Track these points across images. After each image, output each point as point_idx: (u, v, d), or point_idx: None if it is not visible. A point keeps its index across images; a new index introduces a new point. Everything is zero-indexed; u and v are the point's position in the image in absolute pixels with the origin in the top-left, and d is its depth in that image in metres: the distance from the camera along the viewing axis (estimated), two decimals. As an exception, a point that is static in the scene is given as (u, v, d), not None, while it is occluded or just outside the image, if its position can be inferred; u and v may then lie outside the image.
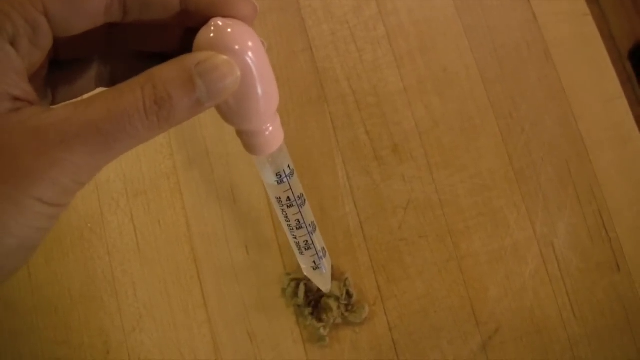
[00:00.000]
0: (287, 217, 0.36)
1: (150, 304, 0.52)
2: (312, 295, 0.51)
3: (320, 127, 0.54)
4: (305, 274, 0.41)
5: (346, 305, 0.51)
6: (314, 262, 0.40)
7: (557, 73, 0.55)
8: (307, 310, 0.51)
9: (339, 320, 0.51)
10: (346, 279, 0.51)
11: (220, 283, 0.52)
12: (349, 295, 0.51)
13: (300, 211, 0.36)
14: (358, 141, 0.54)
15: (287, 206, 0.35)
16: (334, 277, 0.52)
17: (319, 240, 0.39)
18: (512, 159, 0.54)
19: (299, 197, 0.36)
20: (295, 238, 0.38)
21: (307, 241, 0.38)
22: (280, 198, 0.35)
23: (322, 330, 0.50)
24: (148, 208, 0.54)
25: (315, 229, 0.38)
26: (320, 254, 0.39)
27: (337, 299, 0.51)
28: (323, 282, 0.43)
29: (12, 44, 0.23)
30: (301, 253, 0.39)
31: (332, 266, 0.52)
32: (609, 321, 0.51)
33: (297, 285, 0.51)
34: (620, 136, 0.54)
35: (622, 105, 0.55)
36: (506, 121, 0.54)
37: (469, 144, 0.54)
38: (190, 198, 0.54)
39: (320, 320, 0.50)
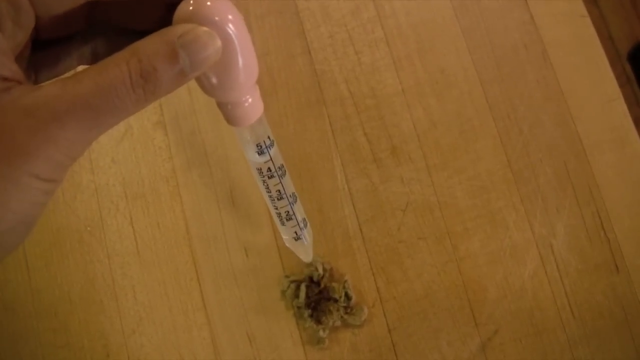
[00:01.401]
0: (268, 187, 0.37)
1: (149, 306, 0.53)
2: (311, 298, 0.51)
3: (318, 129, 0.55)
4: (287, 245, 0.42)
5: (345, 308, 0.51)
6: (295, 232, 0.40)
7: (555, 74, 0.55)
8: (307, 312, 0.51)
9: (338, 323, 0.51)
10: (345, 281, 0.52)
11: (219, 286, 0.53)
12: (347, 297, 0.51)
13: (281, 182, 0.37)
14: (356, 143, 0.54)
15: (268, 177, 0.36)
16: (333, 279, 0.52)
17: (299, 211, 0.40)
18: (510, 161, 0.54)
19: (279, 167, 0.36)
20: (277, 209, 0.38)
21: (288, 212, 0.39)
22: (261, 169, 0.36)
23: (321, 332, 0.50)
24: (147, 211, 0.54)
25: (296, 199, 0.39)
26: (302, 225, 0.40)
27: (337, 301, 0.51)
28: (305, 253, 0.43)
29: None
30: (282, 224, 0.39)
31: (332, 268, 0.52)
32: (608, 322, 0.51)
33: (297, 287, 0.51)
34: (619, 137, 0.54)
35: (620, 106, 0.55)
36: (504, 123, 0.54)
37: (468, 145, 0.54)
38: (189, 201, 0.54)
39: (319, 322, 0.51)
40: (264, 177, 0.36)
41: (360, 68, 0.56)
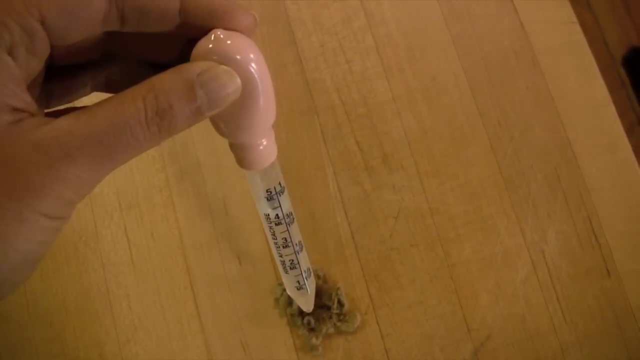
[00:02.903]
0: (274, 234, 0.36)
1: (144, 315, 0.53)
2: (304, 305, 0.51)
3: (310, 138, 0.55)
4: (289, 293, 0.41)
5: (338, 315, 0.51)
6: (298, 281, 0.39)
7: (545, 81, 0.56)
8: (299, 320, 0.51)
9: (331, 330, 0.51)
10: (338, 288, 0.52)
11: (213, 294, 0.53)
12: (340, 304, 0.51)
13: (288, 229, 0.36)
14: (348, 151, 0.55)
15: (275, 224, 0.35)
16: (326, 287, 0.52)
17: (304, 261, 0.39)
18: (501, 167, 0.54)
19: (287, 215, 0.35)
20: (281, 256, 0.38)
21: (292, 260, 0.38)
22: (268, 215, 0.35)
23: (314, 340, 0.50)
24: (141, 221, 0.54)
25: (302, 248, 0.38)
26: (305, 274, 0.39)
27: (329, 308, 0.51)
28: (305, 303, 0.43)
29: (10, 53, 0.22)
30: (286, 272, 0.39)
31: (325, 275, 0.52)
32: (600, 326, 0.51)
33: (291, 295, 0.52)
34: (609, 143, 0.55)
35: (610, 112, 0.55)
36: (495, 129, 0.55)
37: (459, 152, 0.55)
38: (182, 210, 0.54)
39: (312, 329, 0.51)
40: (270, 223, 0.35)
41: (352, 76, 0.56)
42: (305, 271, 0.39)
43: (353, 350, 0.51)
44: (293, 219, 0.36)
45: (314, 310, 0.51)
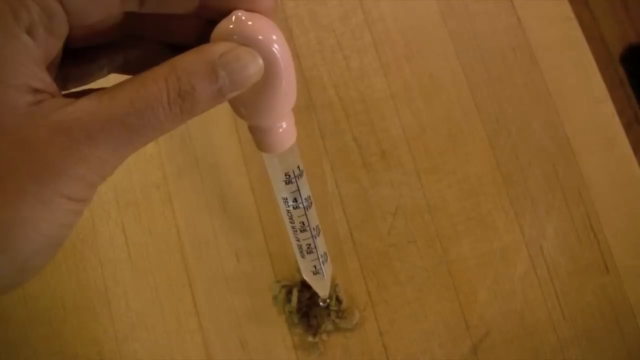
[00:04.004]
0: (291, 218, 0.36)
1: (142, 313, 0.53)
2: (303, 302, 0.51)
3: (308, 135, 0.55)
4: (304, 277, 0.41)
5: (336, 312, 0.51)
6: (315, 266, 0.39)
7: (543, 77, 0.56)
8: (297, 317, 0.51)
9: (329, 327, 0.51)
10: (336, 285, 0.52)
11: (211, 291, 0.53)
12: (338, 301, 0.51)
13: (306, 213, 0.35)
14: (346, 148, 0.55)
15: (293, 207, 0.35)
16: (324, 284, 0.52)
17: (322, 245, 0.39)
18: (499, 163, 0.54)
19: (306, 199, 0.35)
20: (298, 240, 0.37)
21: (309, 245, 0.38)
22: (286, 198, 0.35)
23: (311, 338, 0.50)
24: (139, 218, 0.54)
25: (319, 233, 0.38)
26: (322, 259, 0.39)
27: (327, 305, 0.51)
28: (322, 287, 0.43)
29: (28, 33, 0.22)
30: (302, 256, 0.38)
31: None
32: (599, 322, 0.51)
33: (289, 292, 0.52)
34: (607, 139, 0.55)
35: (608, 108, 0.55)
36: (493, 126, 0.55)
37: (456, 149, 0.54)
38: (180, 208, 0.54)
39: (310, 326, 0.51)
40: (288, 207, 0.35)
41: (349, 73, 0.56)
42: (322, 256, 0.39)
43: (352, 347, 0.51)
44: (311, 202, 0.36)
45: (311, 307, 0.51)
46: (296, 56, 0.57)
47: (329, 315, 0.51)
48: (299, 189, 0.34)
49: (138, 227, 0.54)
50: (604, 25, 1.04)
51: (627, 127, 0.55)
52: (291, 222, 0.36)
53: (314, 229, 0.37)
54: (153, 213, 0.54)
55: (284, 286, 0.52)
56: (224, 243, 0.53)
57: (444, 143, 0.55)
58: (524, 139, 0.54)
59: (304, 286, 0.52)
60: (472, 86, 0.56)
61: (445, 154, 0.54)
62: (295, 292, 0.51)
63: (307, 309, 0.51)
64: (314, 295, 0.51)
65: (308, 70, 0.56)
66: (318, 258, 0.39)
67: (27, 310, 0.53)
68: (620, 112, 0.55)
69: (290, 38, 0.57)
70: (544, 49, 0.56)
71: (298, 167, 0.34)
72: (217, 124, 0.55)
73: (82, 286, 0.53)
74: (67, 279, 0.54)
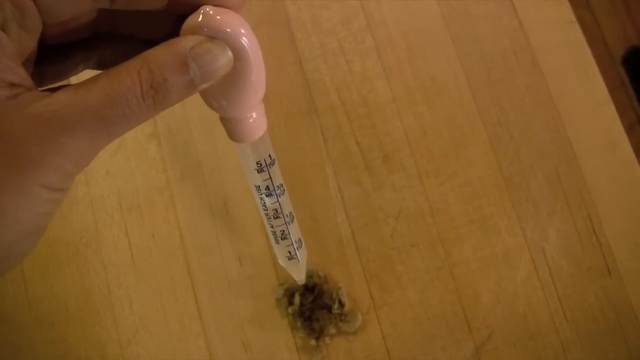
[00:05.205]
0: (265, 205, 0.37)
1: (145, 316, 0.53)
2: (305, 305, 0.52)
3: (310, 138, 0.55)
4: (280, 262, 0.42)
5: (339, 315, 0.51)
6: (289, 252, 0.40)
7: (545, 80, 0.56)
8: (300, 320, 0.51)
9: (332, 330, 0.51)
10: (339, 288, 0.52)
11: (214, 295, 0.53)
12: (341, 304, 0.51)
13: (278, 200, 0.36)
14: (348, 152, 0.55)
15: (266, 195, 0.36)
16: (327, 287, 0.52)
17: (296, 231, 0.39)
18: (501, 166, 0.54)
19: (278, 186, 0.36)
20: (272, 227, 0.38)
21: (283, 231, 0.38)
22: (259, 186, 0.35)
23: (313, 341, 0.51)
24: (142, 222, 0.54)
25: (293, 219, 0.38)
26: (296, 245, 0.40)
27: (330, 308, 0.51)
28: (297, 272, 0.43)
29: (2, 28, 0.23)
30: (277, 242, 0.39)
31: (326, 275, 0.52)
32: (601, 325, 0.51)
33: (292, 295, 0.52)
34: (609, 142, 0.55)
35: (610, 110, 0.55)
36: (495, 129, 0.55)
37: (459, 152, 0.55)
38: (183, 211, 0.54)
39: (313, 330, 0.51)
40: (261, 194, 0.36)
41: (351, 77, 0.56)
42: (296, 242, 0.39)
43: (354, 351, 0.51)
44: (284, 190, 0.37)
45: (314, 310, 0.51)
46: (298, 60, 0.57)
47: (331, 318, 0.51)
48: (270, 177, 0.35)
49: (141, 231, 0.54)
50: (606, 27, 1.04)
51: (629, 129, 0.55)
52: (264, 210, 0.37)
53: (287, 215, 0.38)
54: (156, 217, 0.55)
55: (287, 289, 0.52)
56: (226, 246, 0.54)
57: (446, 146, 0.55)
58: (526, 141, 0.55)
59: (307, 289, 0.52)
60: (473, 89, 0.56)
61: (448, 157, 0.54)
62: (297, 296, 0.51)
63: (310, 312, 0.52)
64: (317, 299, 0.52)
65: (310, 74, 0.56)
66: (292, 244, 0.39)
67: (30, 313, 0.54)
68: (623, 114, 0.55)
69: (292, 42, 0.57)
70: (546, 52, 0.57)
71: (270, 155, 0.34)
72: (220, 127, 0.55)
73: (86, 290, 0.54)
74: (70, 283, 0.54)
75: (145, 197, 0.55)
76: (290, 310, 0.51)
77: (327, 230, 0.54)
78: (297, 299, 0.51)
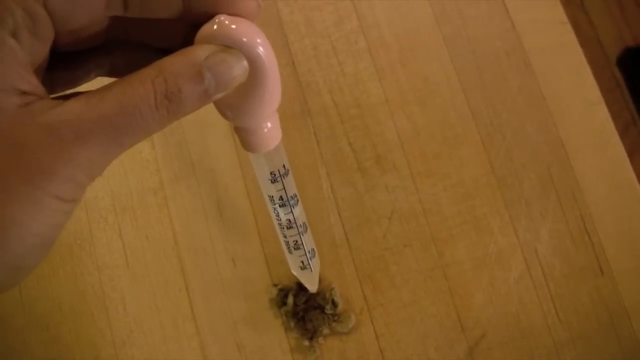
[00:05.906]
0: (278, 215, 0.36)
1: (140, 318, 0.53)
2: (299, 306, 0.52)
3: (303, 140, 0.55)
4: (293, 272, 0.42)
5: (332, 315, 0.51)
6: (302, 262, 0.40)
7: (537, 81, 0.56)
8: (294, 321, 0.51)
9: (326, 331, 0.51)
10: (332, 288, 0.52)
11: (208, 296, 0.53)
12: (334, 305, 0.52)
13: (292, 211, 0.36)
14: (341, 153, 0.55)
15: (279, 205, 0.36)
16: (320, 288, 0.52)
17: (309, 241, 0.39)
18: (494, 167, 0.54)
19: (291, 197, 0.36)
20: (285, 237, 0.38)
21: (296, 241, 0.38)
22: (272, 197, 0.35)
23: (307, 342, 0.51)
24: (136, 223, 0.55)
25: (306, 229, 0.38)
26: (310, 255, 0.40)
27: (323, 309, 0.51)
28: (310, 282, 0.43)
29: (14, 36, 0.23)
30: (290, 252, 0.39)
31: (319, 276, 0.52)
32: (594, 325, 0.51)
33: (285, 296, 0.52)
34: (601, 142, 0.55)
35: (602, 111, 0.56)
36: (487, 129, 0.55)
37: (451, 152, 0.55)
38: (177, 213, 0.55)
39: (306, 330, 0.51)
40: (275, 204, 0.36)
41: (344, 78, 0.56)
42: (309, 252, 0.39)
43: (348, 351, 0.52)
44: (297, 200, 0.36)
45: (308, 311, 0.51)
46: (291, 62, 0.57)
47: (325, 318, 0.51)
48: (284, 188, 0.35)
49: (135, 232, 0.54)
50: (601, 28, 1.04)
51: (624, 130, 0.55)
52: (278, 220, 0.37)
53: (300, 225, 0.37)
54: (150, 218, 0.55)
55: (280, 290, 0.52)
56: (220, 247, 0.54)
57: (439, 147, 0.55)
58: (519, 142, 0.55)
59: (300, 290, 0.52)
60: (466, 90, 0.56)
61: (440, 158, 0.55)
62: (291, 296, 0.51)
63: (304, 312, 0.52)
64: (310, 299, 0.52)
65: (303, 75, 0.57)
66: (305, 254, 0.39)
67: (25, 315, 0.54)
68: (617, 115, 0.56)
69: (285, 44, 0.57)
70: (538, 52, 0.57)
71: (284, 166, 0.34)
72: (214, 129, 0.56)
73: (80, 291, 0.54)
74: (64, 285, 0.54)
75: (138, 199, 0.55)
76: (283, 310, 0.52)
77: (320, 232, 0.54)
78: (290, 300, 0.51)
